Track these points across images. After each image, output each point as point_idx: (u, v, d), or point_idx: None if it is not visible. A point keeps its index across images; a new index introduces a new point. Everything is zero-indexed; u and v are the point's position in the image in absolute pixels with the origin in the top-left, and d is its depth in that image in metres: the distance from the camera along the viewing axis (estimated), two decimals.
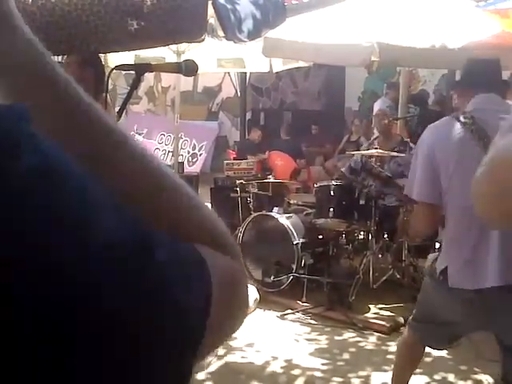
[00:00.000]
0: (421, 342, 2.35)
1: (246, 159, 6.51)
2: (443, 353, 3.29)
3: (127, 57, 5.19)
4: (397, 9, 4.29)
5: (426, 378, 2.99)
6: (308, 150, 8.63)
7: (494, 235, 1.87)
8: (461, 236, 1.96)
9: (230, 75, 9.82)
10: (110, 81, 9.30)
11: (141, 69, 1.84)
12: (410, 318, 2.39)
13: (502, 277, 1.83)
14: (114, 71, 2.25)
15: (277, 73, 7.23)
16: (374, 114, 7.14)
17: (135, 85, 1.82)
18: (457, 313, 2.05)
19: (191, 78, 9.91)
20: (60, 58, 4.35)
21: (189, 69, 1.89)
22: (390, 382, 2.94)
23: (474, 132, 1.87)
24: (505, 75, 6.41)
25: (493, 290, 1.85)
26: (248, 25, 3.11)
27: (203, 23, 2.77)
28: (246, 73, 8.71)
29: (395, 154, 4.43)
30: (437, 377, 3.02)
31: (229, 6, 3.00)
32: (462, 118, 1.92)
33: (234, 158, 7.23)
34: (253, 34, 3.17)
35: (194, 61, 1.93)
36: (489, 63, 2.14)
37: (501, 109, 1.87)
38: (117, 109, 2.55)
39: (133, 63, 1.83)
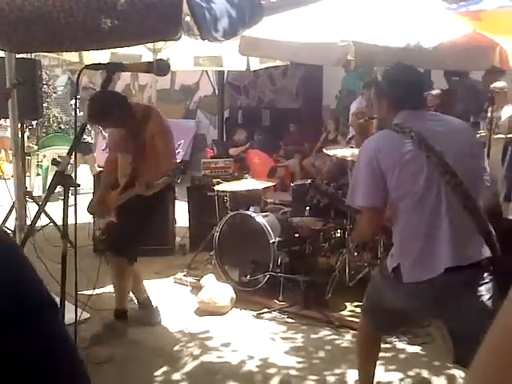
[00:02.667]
0: (375, 331, 2.51)
1: (224, 158, 6.49)
2: (417, 349, 3.34)
3: (103, 54, 5.13)
4: (372, 9, 4.33)
5: (399, 374, 3.03)
6: (286, 148, 8.66)
7: (443, 225, 2.05)
8: (412, 232, 2.11)
9: (207, 73, 9.78)
10: (86, 78, 9.19)
11: (112, 68, 1.81)
12: (362, 309, 2.55)
13: (452, 259, 2.02)
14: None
15: (254, 71, 7.22)
16: (351, 113, 7.21)
17: (106, 84, 1.79)
18: (408, 304, 2.21)
19: (168, 76, 9.84)
20: (30, 55, 4.28)
21: (161, 68, 1.87)
22: None
23: (414, 138, 2.06)
24: (479, 75, 6.52)
25: (443, 275, 2.01)
26: (224, 24, 3.09)
27: (179, 22, 2.75)
28: (223, 71, 8.68)
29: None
30: (411, 373, 3.06)
31: (204, 5, 2.97)
32: (398, 129, 2.12)
33: (212, 157, 7.21)
34: (229, 33, 3.15)
35: (166, 60, 1.91)
36: (412, 76, 2.27)
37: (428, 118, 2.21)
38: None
39: (104, 62, 1.79)
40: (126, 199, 3.31)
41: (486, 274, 2.06)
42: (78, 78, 2.03)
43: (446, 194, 2.05)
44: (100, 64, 1.83)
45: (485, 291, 2.04)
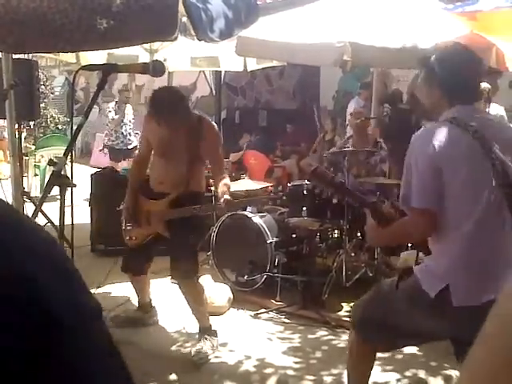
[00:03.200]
0: (370, 344, 2.27)
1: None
2: (414, 349, 3.34)
3: (100, 55, 5.13)
4: (369, 9, 4.33)
5: (396, 375, 3.04)
6: (283, 148, 8.66)
7: (506, 242, 1.84)
8: (471, 250, 1.84)
9: (204, 74, 9.78)
10: (83, 79, 9.19)
11: (107, 69, 1.81)
12: (358, 318, 2.28)
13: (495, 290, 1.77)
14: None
15: (252, 71, 7.23)
16: (348, 113, 7.23)
17: (102, 85, 1.79)
18: (454, 329, 1.91)
19: (165, 77, 9.83)
20: (27, 56, 4.28)
21: (157, 69, 1.87)
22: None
23: (479, 137, 1.82)
24: None
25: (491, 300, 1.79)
26: (220, 24, 3.09)
27: (175, 22, 2.75)
28: (220, 71, 8.68)
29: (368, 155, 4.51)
30: (408, 373, 3.07)
31: (200, 6, 2.97)
32: (459, 123, 1.87)
33: (129, 149, 7.60)
34: (225, 34, 3.15)
35: (161, 61, 1.92)
36: (465, 66, 2.00)
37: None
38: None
39: (99, 63, 1.80)
40: (183, 214, 3.09)
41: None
42: (73, 78, 2.03)
43: (506, 209, 1.83)
44: (96, 65, 1.83)
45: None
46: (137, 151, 6.01)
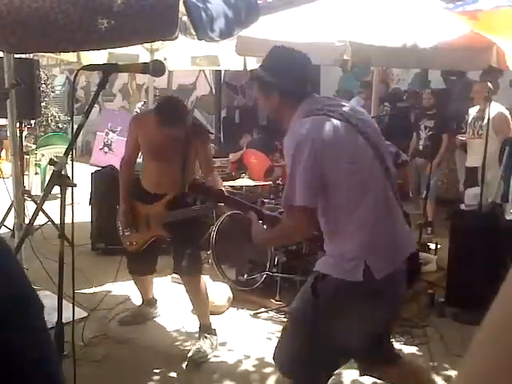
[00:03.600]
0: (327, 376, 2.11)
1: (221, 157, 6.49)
2: (414, 349, 3.35)
3: (101, 54, 5.14)
4: (369, 9, 4.33)
5: None
6: (282, 147, 8.65)
7: (392, 212, 1.95)
8: (368, 223, 1.89)
9: (204, 73, 9.78)
10: (83, 78, 9.18)
11: (108, 69, 1.82)
12: (289, 367, 2.09)
13: (407, 248, 1.97)
14: None
15: (251, 71, 7.23)
16: None
17: (102, 85, 1.80)
18: (384, 306, 1.95)
19: (166, 76, 9.84)
20: (28, 55, 4.29)
21: (156, 69, 1.88)
22: (361, 379, 2.99)
23: (346, 119, 1.88)
24: (475, 75, 6.55)
25: (400, 269, 1.92)
26: (220, 24, 3.10)
27: (175, 22, 2.75)
28: (220, 71, 8.68)
29: None
30: None
31: (200, 5, 2.98)
32: (326, 112, 1.89)
33: None
34: (225, 33, 3.16)
35: (161, 61, 1.92)
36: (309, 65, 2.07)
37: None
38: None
39: (100, 63, 1.80)
40: (184, 216, 3.13)
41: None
42: (74, 78, 2.03)
43: (382, 179, 1.94)
44: (96, 65, 1.84)
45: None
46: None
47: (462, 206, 4.30)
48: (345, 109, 1.94)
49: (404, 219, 2.01)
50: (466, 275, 3.82)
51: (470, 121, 5.64)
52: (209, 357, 3.21)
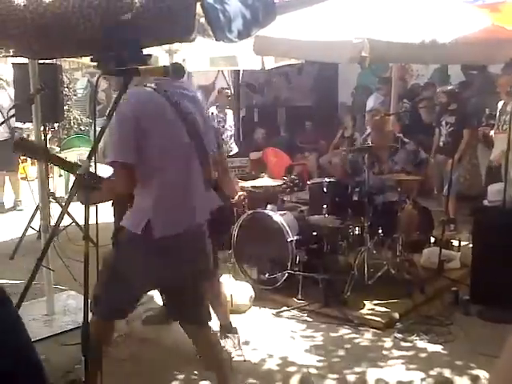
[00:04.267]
0: (110, 320, 2.39)
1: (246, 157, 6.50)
2: (438, 348, 3.32)
3: None
4: (386, 5, 4.30)
5: (421, 374, 3.01)
6: (302, 146, 8.65)
7: (192, 181, 2.21)
8: (167, 187, 2.16)
9: (223, 73, 9.81)
10: (104, 81, 9.17)
11: (128, 74, 1.84)
12: (93, 304, 2.27)
13: (199, 215, 2.22)
14: None
15: (270, 70, 7.24)
16: (367, 109, 7.17)
17: (123, 89, 1.82)
18: (158, 263, 2.17)
19: (185, 77, 9.90)
20: (53, 60, 4.36)
21: (177, 71, 1.90)
22: (385, 377, 2.98)
23: (170, 98, 2.13)
24: (497, 68, 6.45)
25: (189, 230, 2.18)
26: (238, 25, 3.11)
27: (192, 24, 2.78)
28: (239, 70, 8.71)
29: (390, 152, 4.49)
30: (432, 372, 3.03)
31: (218, 7, 3.00)
32: (157, 89, 2.14)
33: (228, 156, 7.22)
34: (243, 34, 3.17)
35: (181, 64, 1.94)
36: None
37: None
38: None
39: (120, 68, 1.83)
40: None
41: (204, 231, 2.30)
42: (96, 83, 2.07)
43: (193, 154, 2.21)
44: (117, 69, 1.87)
45: (205, 247, 2.32)
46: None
47: (486, 202, 4.24)
48: (173, 90, 2.20)
49: (208, 192, 2.29)
50: (491, 272, 3.76)
51: (497, 115, 5.55)
52: (232, 355, 3.23)
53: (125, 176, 2.10)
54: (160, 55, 5.61)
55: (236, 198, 3.12)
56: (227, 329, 3.35)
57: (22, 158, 8.58)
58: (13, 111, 3.70)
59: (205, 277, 2.47)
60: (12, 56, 2.35)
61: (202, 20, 3.06)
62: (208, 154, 2.30)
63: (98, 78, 1.92)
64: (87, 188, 1.79)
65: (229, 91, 7.30)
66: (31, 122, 3.82)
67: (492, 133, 5.70)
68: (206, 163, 2.28)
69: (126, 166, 2.08)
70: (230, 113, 7.24)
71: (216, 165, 3.34)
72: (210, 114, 7.00)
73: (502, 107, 5.39)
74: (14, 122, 6.19)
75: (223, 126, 7.07)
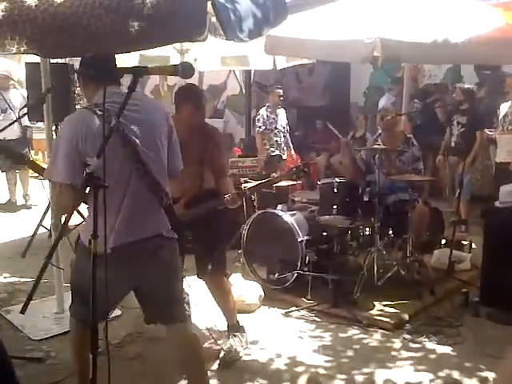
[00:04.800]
0: (85, 325, 2.35)
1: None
2: (448, 349, 3.30)
3: (132, 56, 5.23)
4: (398, 4, 4.27)
5: (430, 376, 3.00)
6: (313, 146, 8.63)
7: (126, 204, 2.25)
8: (101, 206, 2.09)
9: (234, 73, 9.83)
10: None
11: (138, 72, 1.85)
12: (71, 308, 2.52)
13: (128, 234, 2.26)
14: None
15: (281, 69, 7.23)
16: (379, 109, 7.13)
17: (133, 87, 1.83)
18: (115, 269, 2.17)
19: (196, 77, 9.92)
20: (61, 60, 4.39)
21: (186, 71, 1.91)
22: (393, 378, 2.96)
23: (114, 124, 2.06)
24: (510, 67, 6.39)
25: (120, 247, 2.24)
26: (248, 24, 3.10)
27: (203, 23, 2.78)
28: (250, 70, 8.70)
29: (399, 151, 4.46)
30: (441, 374, 3.02)
31: (229, 6, 2.99)
32: (97, 111, 2.19)
33: (239, 156, 7.22)
34: (254, 33, 3.16)
35: (190, 63, 1.95)
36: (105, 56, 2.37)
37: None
38: None
39: (130, 67, 1.84)
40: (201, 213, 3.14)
41: (165, 242, 2.34)
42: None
43: (135, 178, 2.25)
44: (126, 68, 1.88)
45: (165, 257, 2.35)
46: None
47: (497, 204, 4.20)
48: (117, 108, 2.07)
49: (155, 206, 2.31)
50: (501, 274, 3.72)
51: (500, 116, 5.53)
52: (240, 355, 3.23)
53: (72, 195, 2.20)
54: (171, 55, 5.64)
55: (227, 196, 3.08)
56: (234, 328, 3.36)
57: (35, 157, 8.67)
58: (24, 110, 3.74)
59: (164, 282, 2.46)
60: (23, 53, 2.37)
61: (214, 19, 3.06)
62: (154, 179, 2.28)
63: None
64: (94, 186, 1.80)
65: (280, 91, 6.85)
66: (43, 121, 3.85)
67: (493, 134, 5.70)
68: (154, 187, 2.29)
69: (72, 186, 2.18)
70: (282, 112, 6.90)
71: (212, 169, 3.32)
72: (260, 115, 6.76)
73: (509, 108, 5.38)
74: (24, 121, 6.24)
75: (275, 128, 6.79)
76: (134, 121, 2.24)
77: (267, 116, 6.78)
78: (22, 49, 2.31)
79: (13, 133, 6.68)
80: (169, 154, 2.39)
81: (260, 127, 6.77)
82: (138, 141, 2.23)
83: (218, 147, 3.31)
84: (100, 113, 2.17)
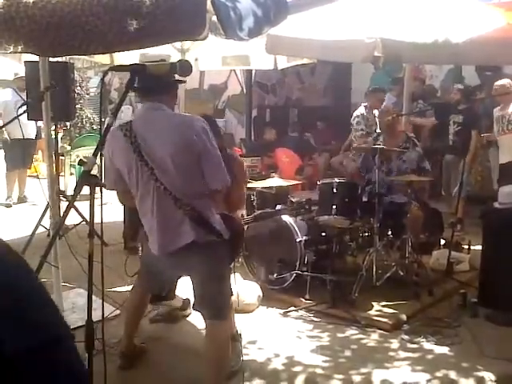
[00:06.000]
0: (147, 291, 3.06)
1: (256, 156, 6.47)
2: (445, 350, 3.29)
3: (133, 55, 5.22)
4: (399, 4, 4.26)
5: (427, 376, 2.99)
6: (314, 146, 8.61)
7: (155, 217, 2.46)
8: (142, 213, 2.55)
9: (235, 72, 9.82)
10: (116, 79, 9.31)
11: (135, 69, 1.85)
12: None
13: (160, 247, 2.51)
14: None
15: (282, 69, 7.22)
16: (379, 110, 7.11)
17: (130, 86, 1.83)
18: (164, 265, 2.67)
19: (197, 76, 9.92)
20: (66, 58, 4.39)
21: (184, 69, 1.90)
22: (391, 379, 2.95)
23: (131, 138, 2.39)
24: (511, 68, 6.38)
25: (162, 255, 2.53)
26: (249, 23, 3.09)
27: (203, 22, 2.77)
28: (251, 70, 8.70)
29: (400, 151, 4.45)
30: (438, 374, 3.01)
31: (229, 4, 2.99)
32: (123, 129, 2.42)
33: (240, 156, 7.20)
34: (254, 32, 3.15)
35: (188, 61, 1.94)
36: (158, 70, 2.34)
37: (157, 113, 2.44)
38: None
39: (128, 64, 1.83)
40: None
41: (198, 250, 2.48)
42: (102, 79, 2.09)
43: (157, 192, 2.42)
44: (124, 66, 1.87)
45: (200, 262, 2.51)
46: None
47: (496, 205, 4.19)
48: (133, 123, 2.46)
49: (181, 217, 2.46)
50: (499, 275, 3.72)
51: (499, 117, 5.54)
52: (239, 365, 3.12)
53: (120, 197, 2.66)
54: (172, 54, 5.63)
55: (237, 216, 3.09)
56: (233, 337, 3.12)
57: (35, 156, 8.67)
58: (23, 108, 3.72)
59: (201, 281, 2.62)
60: (21, 52, 2.37)
61: (214, 18, 3.06)
62: (174, 196, 2.41)
63: (103, 75, 1.93)
64: (92, 185, 1.80)
65: (383, 94, 6.62)
66: (42, 119, 3.85)
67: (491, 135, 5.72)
68: (176, 202, 2.41)
69: (118, 190, 2.60)
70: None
71: (225, 201, 3.11)
72: (357, 115, 6.35)
73: (502, 107, 5.43)
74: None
75: (375, 130, 6.05)
76: (151, 139, 2.38)
77: (365, 116, 6.31)
78: (20, 47, 2.30)
79: (31, 132, 6.76)
80: (204, 168, 2.44)
81: (362, 130, 6.26)
82: (150, 161, 2.39)
83: (235, 178, 3.02)
84: (124, 131, 2.41)
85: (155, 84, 2.33)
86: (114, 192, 2.74)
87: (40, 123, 6.45)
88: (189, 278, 2.72)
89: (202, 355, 2.77)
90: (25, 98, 6.58)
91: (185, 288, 3.93)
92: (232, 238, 2.57)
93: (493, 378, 2.94)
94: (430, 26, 4.10)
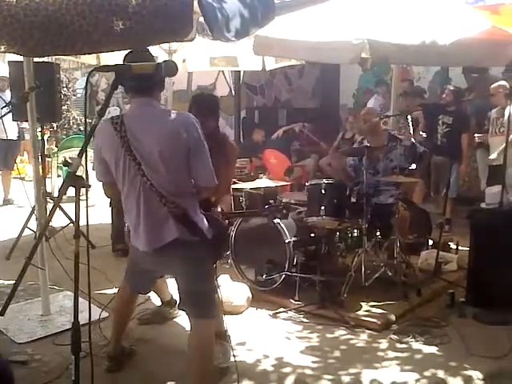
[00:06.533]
0: (132, 290, 3.01)
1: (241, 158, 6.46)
2: (434, 349, 3.30)
3: (120, 56, 5.19)
4: (387, 6, 4.29)
5: (415, 375, 2.99)
6: (303, 147, 8.63)
7: (141, 214, 2.46)
8: (127, 209, 2.57)
9: (224, 74, 9.81)
10: (104, 80, 9.26)
11: (120, 70, 1.83)
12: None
13: (146, 245, 2.49)
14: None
15: (271, 71, 7.23)
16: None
17: (115, 86, 1.81)
18: (148, 263, 2.68)
19: (185, 77, 9.89)
20: (50, 58, 4.35)
21: (169, 70, 1.89)
22: (380, 379, 2.96)
23: (121, 132, 2.38)
24: (498, 71, 6.45)
25: (149, 251, 2.51)
26: (236, 24, 3.09)
27: (189, 22, 2.76)
28: (239, 71, 8.69)
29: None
30: (427, 373, 3.02)
31: (216, 5, 2.98)
32: (113, 122, 2.41)
33: None
34: (241, 33, 3.15)
35: (174, 61, 1.93)
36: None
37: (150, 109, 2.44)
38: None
39: (113, 64, 1.82)
40: None
41: (181, 248, 2.46)
42: (87, 79, 2.06)
43: (144, 189, 2.42)
44: (108, 66, 1.85)
45: (183, 260, 2.50)
46: None
47: (483, 205, 4.23)
48: (124, 117, 2.45)
49: (165, 214, 2.44)
50: (487, 275, 3.75)
51: (492, 118, 5.60)
52: (228, 365, 3.09)
53: (105, 191, 2.66)
54: (160, 55, 5.60)
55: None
56: (221, 336, 3.10)
57: (21, 157, 8.59)
58: (6, 110, 3.68)
59: (185, 280, 2.62)
60: (4, 52, 2.34)
61: (202, 19, 3.04)
62: (160, 193, 2.40)
63: (88, 76, 1.91)
64: (78, 186, 1.78)
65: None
66: (27, 120, 3.80)
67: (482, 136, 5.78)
68: (162, 199, 2.41)
69: (104, 184, 2.60)
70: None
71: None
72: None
73: (498, 110, 5.46)
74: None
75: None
76: (140, 134, 2.37)
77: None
78: (3, 47, 2.27)
79: (13, 133, 6.68)
80: (193, 164, 2.43)
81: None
82: (139, 156, 2.37)
83: (225, 158, 3.15)
84: (113, 123, 2.40)
85: (146, 81, 2.30)
86: (102, 193, 2.71)
87: (25, 124, 6.40)
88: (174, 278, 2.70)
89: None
90: (5, 98, 6.55)
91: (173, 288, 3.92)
92: (215, 238, 2.55)
93: (480, 376, 2.95)
94: (417, 28, 4.13)
